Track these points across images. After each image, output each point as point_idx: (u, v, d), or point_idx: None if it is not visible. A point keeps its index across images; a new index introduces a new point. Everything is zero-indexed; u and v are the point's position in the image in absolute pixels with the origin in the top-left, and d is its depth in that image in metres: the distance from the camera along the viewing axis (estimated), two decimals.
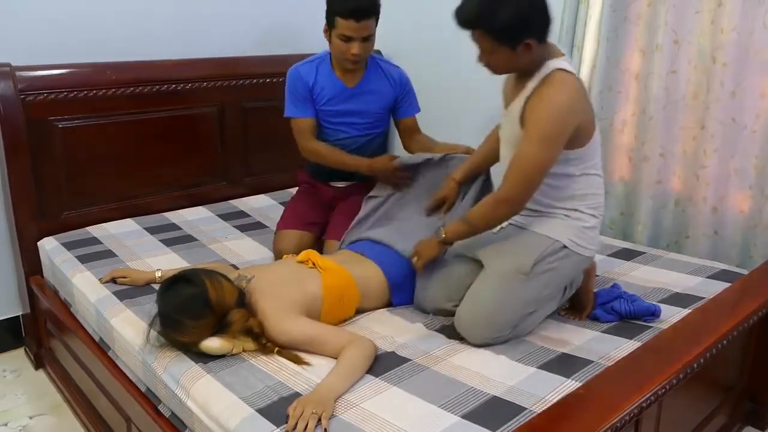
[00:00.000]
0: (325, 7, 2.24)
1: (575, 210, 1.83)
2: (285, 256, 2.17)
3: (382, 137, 2.52)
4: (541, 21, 1.69)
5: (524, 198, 1.76)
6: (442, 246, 1.91)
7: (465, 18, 1.69)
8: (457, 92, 3.18)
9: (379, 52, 3.42)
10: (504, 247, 1.87)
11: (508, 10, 1.63)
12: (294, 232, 2.39)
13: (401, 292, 2.03)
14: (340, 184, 2.55)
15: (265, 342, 1.72)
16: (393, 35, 3.43)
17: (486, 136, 2.12)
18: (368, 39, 2.24)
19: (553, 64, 1.71)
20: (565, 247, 1.81)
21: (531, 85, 1.73)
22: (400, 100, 2.44)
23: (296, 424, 1.40)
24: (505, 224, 1.90)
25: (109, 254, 2.37)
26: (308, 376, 1.62)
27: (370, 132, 2.44)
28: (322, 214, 2.51)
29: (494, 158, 2.04)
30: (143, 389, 1.82)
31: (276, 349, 1.71)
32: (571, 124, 1.68)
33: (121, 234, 2.55)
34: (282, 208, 2.65)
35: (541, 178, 1.72)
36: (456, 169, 2.15)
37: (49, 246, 2.45)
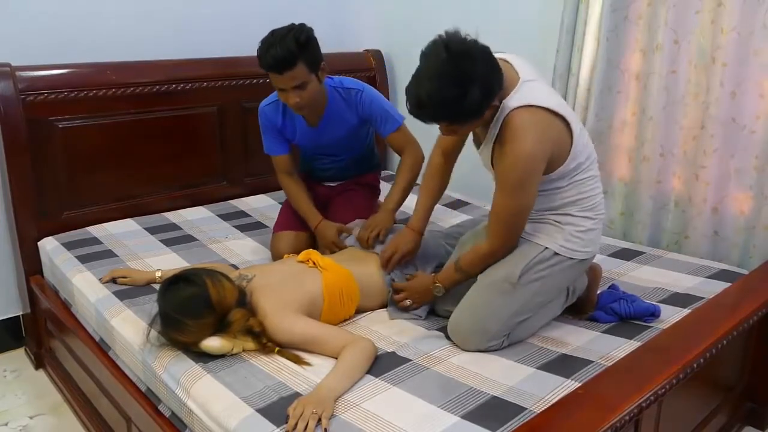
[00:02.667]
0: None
1: (566, 215, 1.79)
2: (285, 255, 2.18)
3: (365, 146, 2.52)
4: (500, 79, 1.61)
5: (512, 243, 1.79)
6: (434, 290, 1.90)
7: (426, 115, 1.60)
8: None
9: (379, 52, 3.43)
10: None
11: (474, 95, 1.52)
12: (289, 233, 2.40)
13: None
14: (332, 184, 2.58)
15: (265, 341, 1.72)
16: (393, 35, 3.44)
17: (427, 174, 2.05)
18: (302, 86, 2.10)
19: (509, 103, 1.64)
20: (556, 254, 1.78)
21: (493, 131, 1.69)
22: (371, 122, 2.34)
23: (296, 424, 1.40)
24: None
25: (109, 254, 2.37)
26: (308, 376, 1.62)
27: (348, 154, 2.48)
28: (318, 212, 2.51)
29: (442, 193, 2.08)
30: (143, 389, 1.82)
31: (276, 348, 1.71)
32: (540, 165, 1.65)
33: (121, 234, 2.55)
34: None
35: (523, 221, 1.74)
36: (414, 219, 2.05)
37: (49, 246, 2.45)
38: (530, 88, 1.67)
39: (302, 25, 2.11)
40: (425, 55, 1.58)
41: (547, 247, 1.78)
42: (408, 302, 1.95)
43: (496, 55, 1.64)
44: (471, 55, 1.54)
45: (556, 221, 1.80)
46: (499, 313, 1.76)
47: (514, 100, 1.64)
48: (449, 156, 2.00)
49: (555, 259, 1.78)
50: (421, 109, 1.58)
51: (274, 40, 2.05)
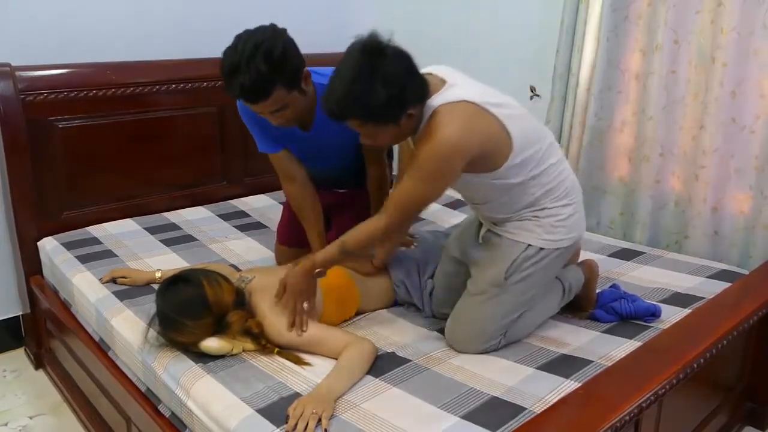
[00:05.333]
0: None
1: (542, 208, 1.75)
2: None
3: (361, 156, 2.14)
4: (418, 85, 1.58)
5: (400, 227, 1.73)
6: (313, 275, 1.77)
7: (335, 110, 1.56)
8: None
9: None
10: (482, 258, 1.83)
11: (380, 91, 1.50)
12: (293, 251, 2.26)
13: (405, 286, 2.01)
14: (340, 190, 2.33)
15: (264, 343, 1.72)
16: (393, 35, 3.44)
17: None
18: (282, 108, 1.78)
19: (432, 103, 1.60)
20: (541, 248, 1.75)
21: (420, 134, 1.64)
22: None
23: (296, 424, 1.40)
24: (483, 231, 1.86)
25: (109, 254, 2.37)
26: (308, 376, 1.62)
27: (343, 163, 2.16)
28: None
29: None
30: (143, 389, 1.82)
31: (276, 349, 1.71)
32: (459, 159, 1.58)
33: (121, 234, 2.55)
34: (282, 209, 2.63)
35: (419, 210, 1.69)
36: (377, 253, 2.00)
37: (49, 246, 2.45)
38: (457, 89, 1.63)
39: (273, 33, 1.75)
40: (342, 58, 1.57)
41: (530, 245, 1.75)
42: (290, 303, 1.73)
43: (424, 69, 1.64)
44: (383, 54, 1.53)
45: (534, 216, 1.76)
46: (492, 316, 1.75)
47: (437, 100, 1.60)
48: None
49: (540, 254, 1.76)
50: (331, 105, 1.56)
51: (239, 61, 1.68)
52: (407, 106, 1.57)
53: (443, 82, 1.65)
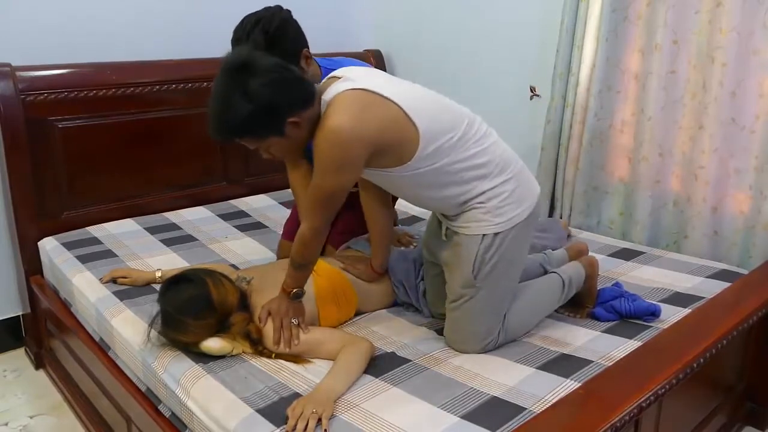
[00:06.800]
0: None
1: (482, 193, 1.69)
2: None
3: None
4: (295, 92, 1.55)
5: (327, 223, 1.68)
6: (292, 298, 1.75)
7: (212, 134, 1.56)
8: (455, 93, 3.18)
9: (379, 52, 3.44)
10: (447, 259, 1.80)
11: (242, 107, 1.48)
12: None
13: (404, 287, 2.01)
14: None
15: (261, 348, 1.72)
16: (393, 35, 3.45)
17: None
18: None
19: (326, 97, 1.58)
20: (497, 233, 1.70)
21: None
22: None
23: (296, 424, 1.40)
24: (444, 228, 1.83)
25: (109, 254, 2.37)
26: (308, 377, 1.62)
27: None
28: None
29: (391, 220, 1.99)
30: (143, 389, 1.83)
31: (273, 355, 1.71)
32: (359, 145, 1.54)
33: (121, 234, 2.55)
34: (282, 209, 2.63)
35: (336, 201, 1.64)
36: (374, 258, 1.98)
37: (49, 246, 2.45)
38: (350, 82, 1.59)
39: (275, 11, 1.90)
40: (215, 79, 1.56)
41: (484, 234, 1.71)
42: (277, 323, 1.72)
43: (332, 74, 1.64)
44: (246, 68, 1.50)
45: (479, 203, 1.70)
46: (477, 315, 1.74)
47: (329, 94, 1.58)
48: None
49: (498, 239, 1.70)
50: (209, 129, 1.56)
51: (242, 35, 1.87)
52: (284, 116, 1.53)
53: (341, 77, 1.63)
